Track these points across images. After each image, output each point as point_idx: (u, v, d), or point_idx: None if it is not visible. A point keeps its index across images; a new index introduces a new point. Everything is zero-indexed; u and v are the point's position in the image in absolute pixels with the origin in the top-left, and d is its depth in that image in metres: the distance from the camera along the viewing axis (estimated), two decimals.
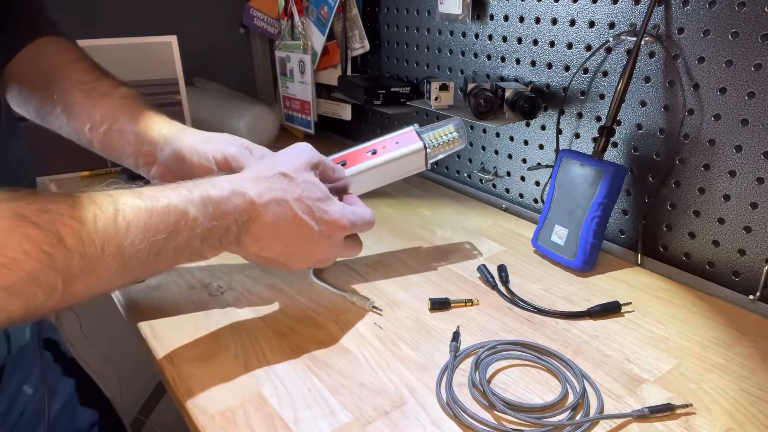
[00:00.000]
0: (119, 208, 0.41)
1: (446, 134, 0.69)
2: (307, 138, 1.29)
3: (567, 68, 0.77)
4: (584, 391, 0.50)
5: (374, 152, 0.68)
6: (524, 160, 0.88)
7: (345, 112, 1.16)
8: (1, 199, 0.35)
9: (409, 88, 0.97)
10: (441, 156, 0.70)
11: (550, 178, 0.75)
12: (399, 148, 0.68)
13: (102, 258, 0.39)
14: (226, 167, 0.60)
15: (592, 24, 0.73)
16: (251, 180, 0.52)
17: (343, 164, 0.67)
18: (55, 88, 0.63)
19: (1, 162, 0.51)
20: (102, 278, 0.40)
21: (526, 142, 0.86)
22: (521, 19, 0.81)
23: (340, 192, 0.64)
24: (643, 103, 0.70)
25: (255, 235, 0.51)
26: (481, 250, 0.76)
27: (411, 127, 0.70)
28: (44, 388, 0.60)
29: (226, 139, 0.63)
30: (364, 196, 0.67)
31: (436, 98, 0.85)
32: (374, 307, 0.63)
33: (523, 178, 0.89)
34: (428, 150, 0.68)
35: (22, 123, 0.64)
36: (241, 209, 0.50)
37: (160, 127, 0.63)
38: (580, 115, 0.78)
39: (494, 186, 0.94)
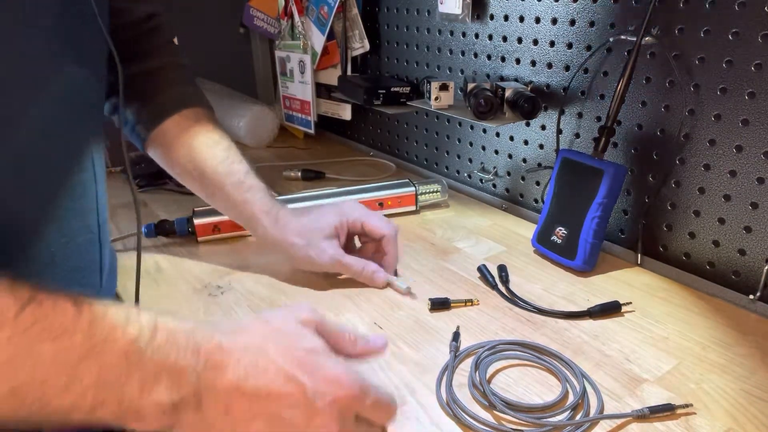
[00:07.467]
0: (36, 298, 0.32)
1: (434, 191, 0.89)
2: (307, 138, 1.29)
3: (567, 68, 0.77)
4: (584, 391, 0.50)
5: (381, 204, 0.85)
6: (524, 160, 0.88)
7: (345, 112, 1.16)
8: None
9: (409, 88, 0.97)
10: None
11: (550, 178, 0.75)
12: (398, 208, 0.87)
13: None
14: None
15: (592, 24, 0.73)
16: (223, 324, 0.39)
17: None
18: (197, 172, 0.67)
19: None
20: None
21: (526, 142, 0.86)
22: (521, 19, 0.81)
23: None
24: (643, 103, 0.70)
25: (221, 396, 0.35)
26: (481, 250, 0.76)
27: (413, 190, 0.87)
28: None
29: (321, 232, 0.66)
30: None
31: (436, 98, 0.85)
32: (411, 290, 0.66)
33: (523, 178, 0.89)
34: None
35: None
36: (203, 349, 0.35)
37: (273, 231, 0.67)
38: (580, 115, 0.78)
39: (494, 186, 0.94)
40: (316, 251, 0.65)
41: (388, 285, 0.67)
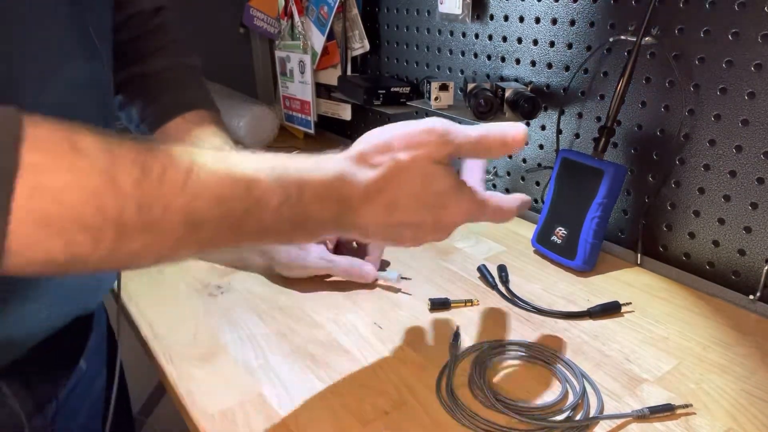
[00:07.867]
0: (194, 169, 0.36)
1: None
2: (307, 138, 1.29)
3: (567, 68, 0.77)
4: (584, 391, 0.50)
5: None
6: (524, 160, 0.88)
7: (345, 112, 1.16)
8: (59, 128, 0.31)
9: (409, 88, 0.97)
10: None
11: (550, 178, 0.75)
12: None
13: (164, 217, 0.34)
14: None
15: (592, 24, 0.73)
16: (363, 171, 0.42)
17: None
18: None
19: None
20: (165, 240, 0.35)
21: (526, 142, 0.86)
22: (521, 19, 0.81)
23: None
24: (643, 103, 0.70)
25: (360, 229, 0.44)
26: (480, 250, 0.76)
27: None
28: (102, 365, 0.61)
29: None
30: None
31: (436, 98, 0.85)
32: (402, 277, 0.67)
33: (523, 178, 0.89)
34: None
35: None
36: (346, 201, 0.42)
37: None
38: (580, 115, 0.78)
39: (494, 186, 0.94)
40: (303, 252, 0.67)
41: (379, 279, 0.68)
